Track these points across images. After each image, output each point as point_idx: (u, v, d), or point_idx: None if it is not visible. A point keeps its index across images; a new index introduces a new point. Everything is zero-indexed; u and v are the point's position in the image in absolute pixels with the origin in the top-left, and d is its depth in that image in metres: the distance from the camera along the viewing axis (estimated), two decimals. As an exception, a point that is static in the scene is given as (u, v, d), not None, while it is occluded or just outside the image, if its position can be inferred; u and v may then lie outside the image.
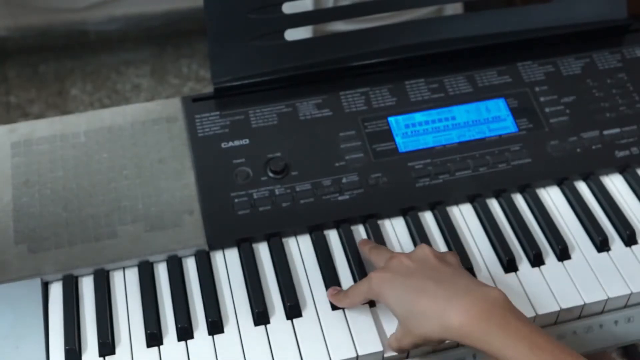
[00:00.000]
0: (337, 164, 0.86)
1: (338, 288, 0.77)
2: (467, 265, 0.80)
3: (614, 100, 0.94)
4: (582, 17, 0.99)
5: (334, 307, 0.77)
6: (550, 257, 0.82)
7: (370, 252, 0.78)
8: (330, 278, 0.78)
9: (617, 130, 0.91)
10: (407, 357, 0.75)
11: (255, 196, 0.83)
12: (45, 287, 0.78)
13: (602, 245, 0.83)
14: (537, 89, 0.94)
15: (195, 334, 0.75)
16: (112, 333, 0.75)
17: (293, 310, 0.76)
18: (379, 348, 0.73)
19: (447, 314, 0.65)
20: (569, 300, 0.78)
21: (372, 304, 0.77)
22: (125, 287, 0.79)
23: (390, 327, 0.75)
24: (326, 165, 0.86)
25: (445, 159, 0.87)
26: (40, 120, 0.89)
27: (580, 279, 0.80)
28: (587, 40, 0.99)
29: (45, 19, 1.94)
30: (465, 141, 0.89)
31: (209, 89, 1.00)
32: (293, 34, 0.92)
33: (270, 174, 0.84)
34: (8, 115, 1.84)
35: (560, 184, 0.89)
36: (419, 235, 0.83)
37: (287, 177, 0.85)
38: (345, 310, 0.76)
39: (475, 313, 0.64)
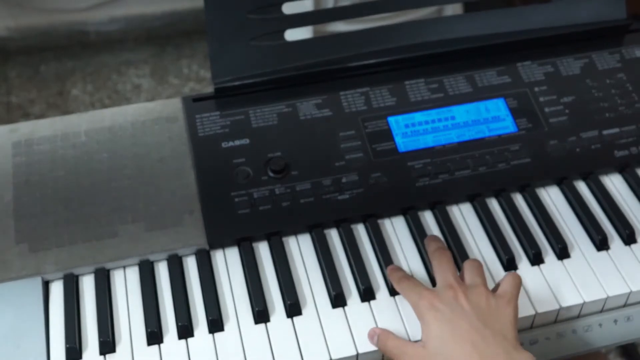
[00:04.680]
0: (337, 164, 0.86)
1: (399, 267, 0.78)
2: (467, 265, 0.80)
3: (613, 100, 0.94)
4: (582, 18, 0.99)
5: (334, 306, 0.77)
6: (549, 256, 0.82)
7: (435, 260, 0.76)
8: (330, 277, 0.79)
9: (616, 130, 0.91)
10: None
11: (255, 195, 0.83)
12: (46, 286, 0.78)
13: (601, 244, 0.83)
14: (536, 89, 0.94)
15: (196, 333, 0.75)
16: (112, 331, 0.75)
17: (293, 309, 0.76)
18: (379, 347, 0.74)
19: None
20: (569, 298, 0.78)
21: (370, 298, 0.77)
22: (126, 285, 0.79)
23: (389, 326, 0.75)
24: (326, 165, 0.86)
25: (445, 158, 0.88)
26: (41, 120, 0.89)
27: (580, 277, 0.80)
28: (586, 40, 0.99)
29: (46, 20, 1.95)
30: (464, 141, 0.89)
31: (209, 89, 1.00)
32: (293, 34, 0.92)
33: (271, 174, 0.85)
34: (9, 116, 1.85)
35: (559, 183, 0.89)
36: (419, 234, 0.83)
37: (287, 177, 0.85)
38: (346, 309, 0.77)
39: None
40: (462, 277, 0.75)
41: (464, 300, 0.69)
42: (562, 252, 0.82)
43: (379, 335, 0.73)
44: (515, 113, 0.92)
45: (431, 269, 0.77)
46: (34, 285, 0.77)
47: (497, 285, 0.74)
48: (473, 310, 0.69)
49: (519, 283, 0.73)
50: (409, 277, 0.76)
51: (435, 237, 0.81)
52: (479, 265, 0.75)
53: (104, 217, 0.81)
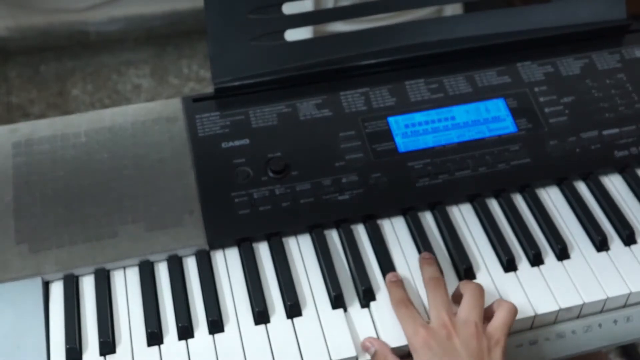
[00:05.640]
0: (337, 164, 0.86)
1: (399, 276, 0.78)
2: (467, 265, 0.80)
3: (613, 100, 0.94)
4: (582, 18, 0.99)
5: (334, 307, 0.77)
6: (549, 257, 0.82)
7: (429, 291, 0.76)
8: (330, 277, 0.79)
9: (616, 130, 0.91)
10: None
11: (255, 196, 0.83)
12: (46, 286, 0.78)
13: (601, 245, 0.83)
14: (536, 89, 0.94)
15: (196, 333, 0.75)
16: (112, 332, 0.75)
17: (293, 310, 0.76)
18: (379, 347, 0.73)
19: None
20: (568, 299, 0.78)
21: (370, 299, 0.77)
22: (126, 286, 0.79)
23: (389, 327, 0.75)
24: (326, 165, 0.86)
25: (444, 159, 0.88)
26: (41, 121, 0.89)
27: (580, 278, 0.80)
28: (586, 40, 0.99)
29: (46, 20, 1.95)
30: (464, 141, 0.89)
31: (209, 89, 1.00)
32: (293, 34, 0.92)
33: (271, 174, 0.85)
34: (9, 116, 1.85)
35: (559, 183, 0.89)
36: (419, 235, 0.83)
37: (287, 177, 0.85)
38: (346, 310, 0.77)
39: None
40: (457, 298, 0.75)
41: (457, 341, 0.70)
42: (562, 253, 0.82)
43: (377, 350, 0.73)
44: (515, 113, 0.92)
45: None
46: (34, 286, 0.77)
47: (491, 311, 0.74)
48: (465, 350, 0.70)
49: (512, 319, 0.73)
50: (407, 304, 0.75)
51: (429, 260, 0.79)
52: (479, 295, 0.74)
53: (104, 217, 0.81)
